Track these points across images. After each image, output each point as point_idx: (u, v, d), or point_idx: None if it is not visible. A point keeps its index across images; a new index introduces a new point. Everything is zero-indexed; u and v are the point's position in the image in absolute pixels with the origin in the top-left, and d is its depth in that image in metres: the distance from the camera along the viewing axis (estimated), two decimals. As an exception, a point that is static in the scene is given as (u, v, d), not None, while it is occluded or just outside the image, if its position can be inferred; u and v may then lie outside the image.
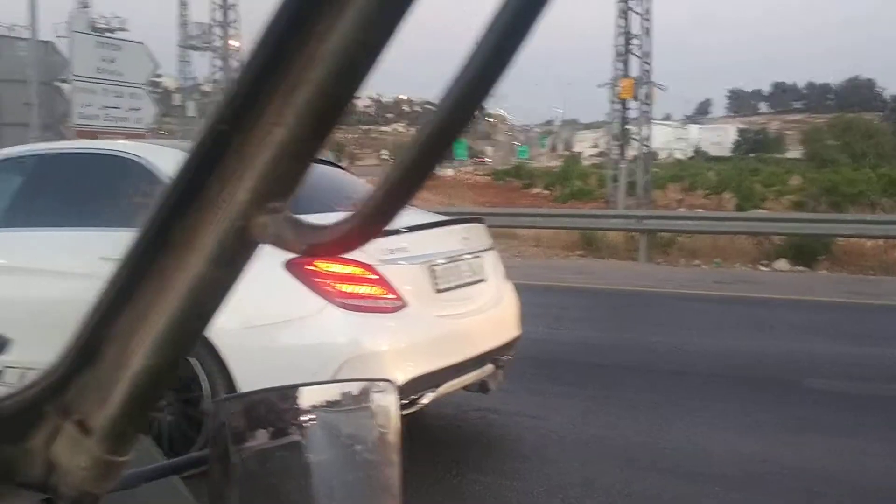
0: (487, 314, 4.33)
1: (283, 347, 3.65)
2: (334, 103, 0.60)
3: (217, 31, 31.65)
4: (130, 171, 4.18)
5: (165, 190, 0.68)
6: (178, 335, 0.78)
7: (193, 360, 3.67)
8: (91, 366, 0.85)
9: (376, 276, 3.72)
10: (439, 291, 4.04)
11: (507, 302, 4.58)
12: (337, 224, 0.61)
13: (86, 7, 34.69)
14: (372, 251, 3.66)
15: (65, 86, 19.83)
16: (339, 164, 5.59)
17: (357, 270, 3.69)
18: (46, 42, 19.74)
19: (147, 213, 0.73)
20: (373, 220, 0.61)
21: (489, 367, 4.24)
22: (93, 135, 17.38)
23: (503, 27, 0.51)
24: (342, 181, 4.79)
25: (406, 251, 3.86)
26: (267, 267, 3.56)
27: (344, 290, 3.65)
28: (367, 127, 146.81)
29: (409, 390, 3.68)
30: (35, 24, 17.92)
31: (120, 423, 0.84)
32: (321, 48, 0.58)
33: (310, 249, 0.64)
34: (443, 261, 4.10)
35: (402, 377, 3.57)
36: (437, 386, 3.89)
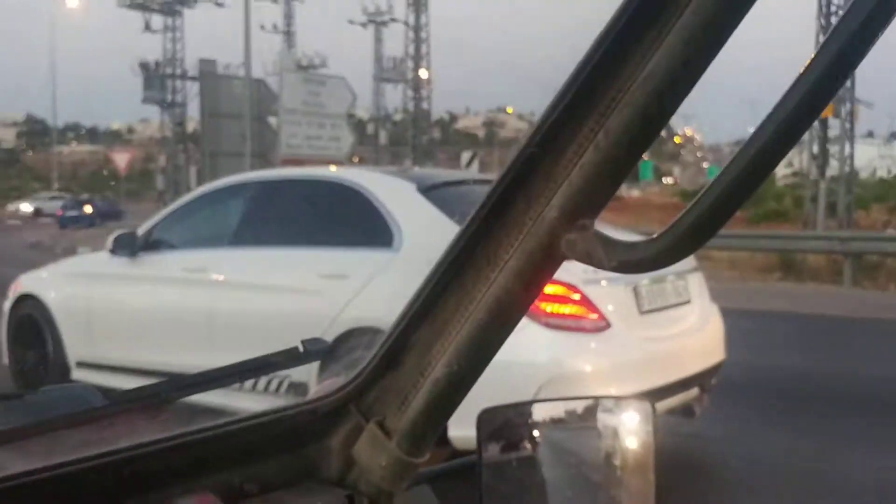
0: (693, 337, 4.25)
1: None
2: (652, 123, 0.61)
3: (409, 63, 33.06)
4: (347, 196, 4.46)
5: (473, 212, 0.74)
6: (479, 345, 0.82)
7: None
8: (393, 371, 0.91)
9: (579, 296, 3.70)
10: (643, 313, 3.99)
11: (712, 325, 4.46)
12: (650, 240, 0.63)
13: (291, 46, 37.37)
14: (575, 270, 3.46)
15: (271, 119, 21.49)
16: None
17: (560, 289, 3.67)
18: (259, 80, 21.51)
19: (455, 234, 0.77)
20: (689, 238, 0.62)
21: (694, 391, 4.13)
22: (298, 162, 18.68)
23: (847, 35, 0.52)
24: None
25: (608, 272, 3.70)
26: None
27: (547, 308, 3.64)
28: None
29: None
30: (248, 64, 19.57)
31: (419, 426, 0.89)
32: (641, 70, 0.59)
33: (620, 266, 0.67)
34: (647, 282, 4.05)
35: (613, 392, 3.47)
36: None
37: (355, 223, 4.46)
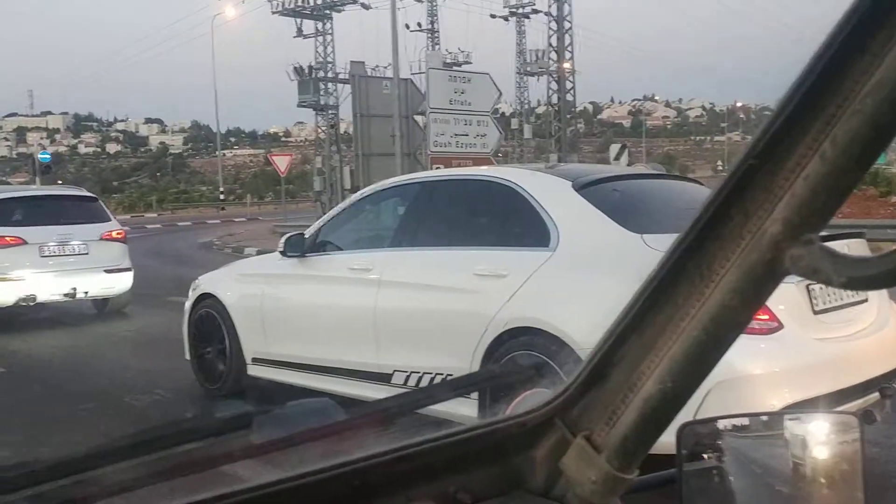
0: (872, 338, 3.98)
1: None
2: (883, 132, 0.58)
3: (552, 54, 32.97)
4: (503, 195, 4.48)
5: (686, 227, 0.75)
6: (693, 362, 0.79)
7: (553, 361, 3.68)
8: (599, 386, 0.90)
9: None
10: (817, 312, 3.80)
11: (893, 324, 4.14)
12: (883, 256, 0.59)
13: (436, 44, 38.07)
14: None
15: (418, 117, 22.03)
16: (698, 181, 5.46)
17: None
18: (406, 80, 22.11)
19: (667, 250, 0.78)
20: None
21: (874, 396, 3.80)
22: (447, 161, 19.10)
23: None
24: (699, 197, 4.61)
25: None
26: (631, 284, 3.44)
27: None
28: (699, 137, 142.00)
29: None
30: (397, 65, 20.17)
31: (630, 442, 0.88)
32: (870, 76, 0.56)
33: (850, 282, 0.63)
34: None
35: (777, 404, 3.36)
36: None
37: (512, 223, 4.50)
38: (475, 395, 4.04)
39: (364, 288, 4.79)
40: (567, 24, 32.85)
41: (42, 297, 9.34)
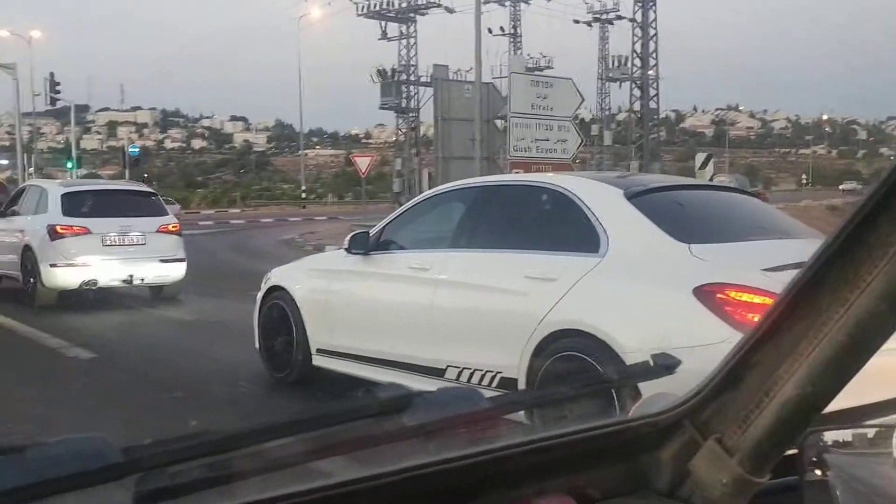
0: None
1: (686, 371, 3.44)
2: None
3: (636, 62, 32.55)
4: (557, 201, 4.62)
5: (832, 234, 0.75)
6: (836, 368, 0.79)
7: (598, 365, 3.81)
8: (733, 390, 0.91)
9: None
10: None
11: None
12: None
13: (518, 49, 38.00)
14: (785, 281, 3.24)
15: (497, 122, 22.00)
16: (751, 192, 5.55)
17: (770, 301, 3.23)
18: (488, 84, 22.12)
19: (810, 257, 0.78)
20: None
21: None
22: (526, 166, 19.01)
23: None
24: (753, 209, 4.91)
25: None
26: (675, 292, 3.78)
27: (755, 319, 3.20)
28: (784, 150, 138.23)
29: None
30: (479, 69, 20.20)
31: (763, 445, 0.88)
32: None
33: None
34: None
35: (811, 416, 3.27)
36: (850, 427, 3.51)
37: (563, 228, 4.60)
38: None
39: (421, 286, 4.97)
40: (652, 31, 32.37)
41: (102, 281, 10.15)
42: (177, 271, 10.68)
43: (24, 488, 0.73)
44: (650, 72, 31.60)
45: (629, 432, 1.00)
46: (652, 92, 32.28)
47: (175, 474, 0.80)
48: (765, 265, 3.68)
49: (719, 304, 3.61)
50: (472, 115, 20.71)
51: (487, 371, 4.48)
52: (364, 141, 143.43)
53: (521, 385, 4.27)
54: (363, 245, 5.44)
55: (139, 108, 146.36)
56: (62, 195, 10.41)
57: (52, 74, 35.37)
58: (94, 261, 10.02)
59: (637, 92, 31.95)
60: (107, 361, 7.18)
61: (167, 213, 11.21)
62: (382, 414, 0.91)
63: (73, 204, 10.32)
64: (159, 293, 10.91)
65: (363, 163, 26.80)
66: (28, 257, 10.26)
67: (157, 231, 10.58)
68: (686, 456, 0.95)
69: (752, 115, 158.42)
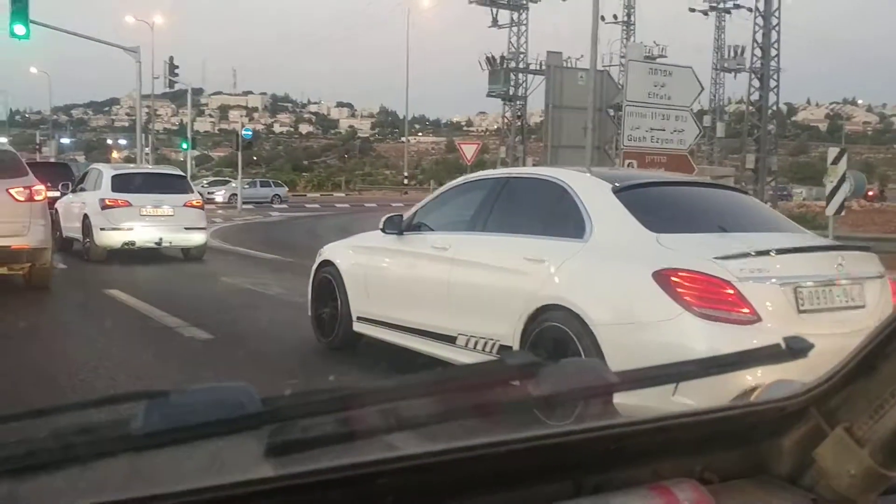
0: (854, 340, 3.72)
1: (643, 342, 4.19)
2: None
3: (757, 52, 31.12)
4: (554, 192, 5.19)
5: None
6: None
7: (576, 338, 4.42)
8: (866, 378, 0.88)
9: (733, 291, 4.11)
10: (802, 312, 4.27)
11: None
12: None
13: (630, 37, 37.02)
14: (732, 268, 4.13)
15: (608, 111, 21.36)
16: (742, 189, 6.21)
17: (715, 285, 4.15)
18: (602, 71, 21.49)
19: None
20: None
21: None
22: (640, 157, 18.39)
23: None
24: (734, 205, 5.50)
25: (767, 272, 4.22)
26: (637, 275, 4.32)
27: (701, 300, 4.12)
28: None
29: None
30: (594, 55, 19.62)
31: None
32: None
33: None
34: (811, 284, 4.34)
35: (749, 383, 3.71)
36: None
37: (559, 216, 5.11)
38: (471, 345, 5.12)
39: (441, 264, 5.61)
40: (774, 20, 30.90)
41: (139, 243, 13.22)
42: (199, 237, 13.91)
43: (165, 432, 0.76)
44: (771, 63, 30.16)
45: (753, 416, 0.98)
46: (772, 83, 30.81)
47: (307, 427, 0.82)
48: (718, 254, 4.19)
49: (672, 286, 4.16)
50: (585, 103, 20.14)
51: (489, 339, 5.08)
52: (465, 129, 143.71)
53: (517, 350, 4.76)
54: (396, 226, 6.14)
55: (250, 92, 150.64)
56: (112, 176, 13.61)
57: (171, 58, 36.53)
58: (133, 226, 13.13)
59: (756, 83, 30.55)
60: (224, 343, 7.15)
61: (193, 192, 14.36)
62: (510, 380, 0.91)
63: (120, 183, 13.44)
64: (187, 255, 14.01)
65: (469, 150, 26.59)
66: (86, 223, 13.35)
67: (184, 206, 13.63)
68: (811, 444, 0.93)
69: (869, 110, 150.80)
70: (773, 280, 4.24)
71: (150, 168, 18.31)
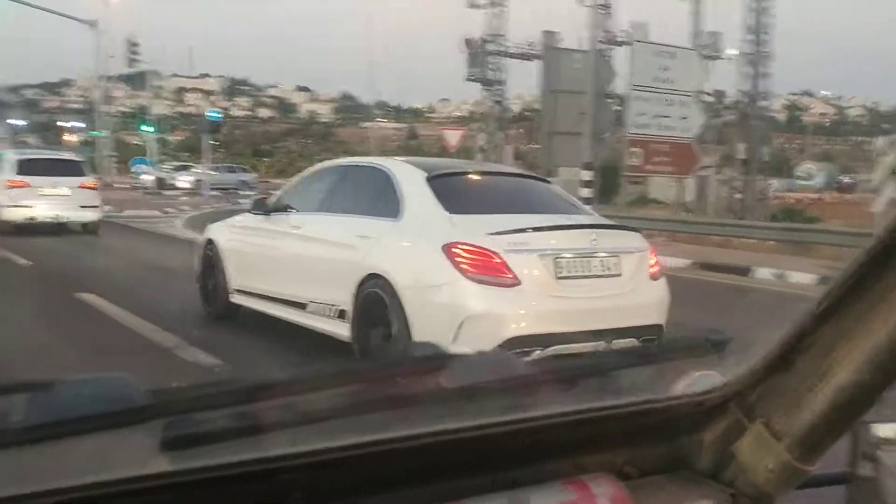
0: (610, 301, 5.22)
1: (433, 302, 5.03)
2: None
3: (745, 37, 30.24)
4: (380, 178, 5.96)
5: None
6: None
7: (388, 300, 5.18)
8: (784, 373, 0.87)
9: (499, 260, 4.91)
10: (560, 278, 5.08)
11: (640, 296, 5.37)
12: None
13: (608, 19, 35.81)
14: (499, 242, 4.94)
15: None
16: (544, 179, 7.20)
17: (484, 255, 4.94)
18: (599, 54, 20.42)
19: (875, 236, 0.75)
20: None
21: (601, 344, 4.72)
22: (645, 145, 17.39)
23: None
24: (530, 190, 6.32)
25: (528, 245, 5.01)
26: (431, 248, 5.09)
27: (472, 268, 4.92)
28: (859, 138, 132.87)
29: (517, 345, 4.72)
30: (594, 37, 18.56)
31: (815, 432, 0.86)
32: None
33: None
34: (570, 255, 5.14)
35: (509, 334, 4.84)
36: (546, 347, 4.81)
37: (383, 199, 5.77)
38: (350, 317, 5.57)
39: (295, 241, 6.39)
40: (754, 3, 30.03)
41: (39, 218, 15.21)
42: (92, 214, 15.92)
43: (48, 425, 0.74)
44: (757, 49, 29.27)
45: (672, 411, 0.98)
46: (754, 71, 29.96)
47: (202, 421, 0.79)
48: (492, 231, 5.00)
49: (453, 257, 4.96)
50: (582, 87, 19.10)
51: (331, 304, 5.75)
52: (427, 115, 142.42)
53: (350, 315, 5.54)
54: (262, 208, 6.98)
55: (207, 75, 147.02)
56: (16, 160, 15.81)
57: (131, 36, 34.76)
58: (33, 204, 15.17)
59: (742, 70, 29.68)
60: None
61: (87, 174, 16.47)
62: (418, 372, 0.91)
63: (22, 167, 15.54)
64: (85, 228, 15.91)
65: (453, 136, 25.39)
66: None
67: (79, 187, 15.66)
68: (730, 438, 0.94)
69: (826, 102, 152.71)
70: (535, 252, 5.05)
71: (50, 153, 19.93)
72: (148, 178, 37.74)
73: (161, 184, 38.26)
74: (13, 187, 15.22)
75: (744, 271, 12.32)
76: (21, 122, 72.79)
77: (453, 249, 4.98)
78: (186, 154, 74.66)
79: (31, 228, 15.10)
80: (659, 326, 5.41)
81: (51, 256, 12.30)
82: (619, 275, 5.30)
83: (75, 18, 26.02)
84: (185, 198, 32.47)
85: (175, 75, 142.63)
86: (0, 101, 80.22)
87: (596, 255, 5.23)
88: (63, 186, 15.41)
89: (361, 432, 0.84)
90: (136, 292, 8.60)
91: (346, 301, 5.53)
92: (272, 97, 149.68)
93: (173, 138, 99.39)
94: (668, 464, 0.97)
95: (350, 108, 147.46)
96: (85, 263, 11.78)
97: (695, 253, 14.06)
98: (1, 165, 16.07)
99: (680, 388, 1.00)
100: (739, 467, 0.92)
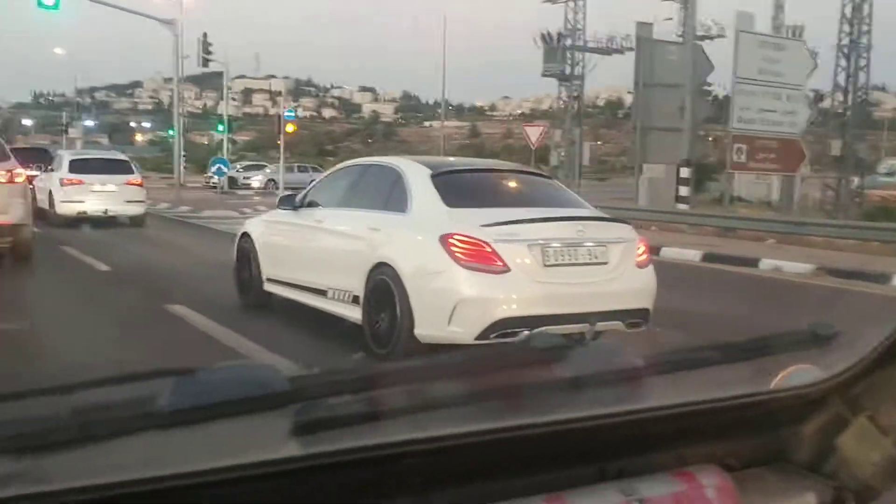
0: (595, 288, 5.67)
1: (431, 287, 5.56)
2: None
3: (846, 28, 28.67)
4: (392, 176, 6.38)
5: None
6: None
7: (394, 286, 5.65)
8: (890, 367, 0.87)
9: (490, 249, 5.43)
10: (548, 266, 5.54)
11: (626, 282, 5.76)
12: None
13: (689, 15, 34.41)
14: (490, 233, 5.43)
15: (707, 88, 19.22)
16: (544, 174, 8.06)
17: (476, 245, 5.45)
18: (696, 45, 19.31)
19: None
20: None
21: (586, 326, 5.27)
22: (749, 141, 16.30)
23: None
24: (527, 186, 6.74)
25: (517, 235, 5.48)
26: (430, 239, 5.62)
27: (466, 256, 5.45)
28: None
29: (506, 326, 5.31)
30: (692, 26, 17.51)
31: None
32: None
33: None
34: (558, 244, 5.59)
35: (497, 316, 5.35)
36: (534, 328, 5.03)
37: (394, 195, 6.22)
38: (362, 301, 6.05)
39: (317, 233, 6.87)
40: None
41: (89, 212, 16.46)
42: (138, 208, 17.19)
43: (191, 410, 0.77)
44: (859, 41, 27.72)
45: (774, 403, 0.98)
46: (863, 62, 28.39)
47: (333, 406, 0.83)
48: (484, 223, 5.51)
49: (448, 246, 5.50)
50: (677, 79, 18.07)
51: (346, 291, 6.21)
52: (489, 113, 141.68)
53: (361, 299, 5.99)
54: (290, 203, 7.43)
55: (273, 76, 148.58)
56: (69, 160, 17.51)
57: (204, 35, 34.61)
58: (84, 199, 16.60)
59: (843, 62, 28.15)
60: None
61: (134, 172, 17.84)
62: (535, 362, 0.94)
63: (76, 165, 17.12)
64: (132, 221, 17.10)
65: (534, 133, 24.47)
66: (51, 197, 16.82)
67: (125, 184, 17.12)
68: (833, 432, 0.93)
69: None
70: (524, 241, 5.44)
71: (100, 153, 22.10)
72: (221, 177, 37.96)
73: (233, 183, 38.19)
74: (68, 184, 16.77)
75: (881, 278, 11.18)
76: (90, 123, 74.29)
77: (449, 240, 5.46)
78: (254, 153, 75.10)
79: (89, 220, 16.52)
80: (645, 311, 5.83)
81: (126, 260, 11.80)
82: (605, 263, 5.71)
83: (155, 18, 25.96)
84: (257, 197, 32.26)
85: (242, 76, 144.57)
86: (78, 104, 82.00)
87: (583, 244, 5.65)
88: (111, 183, 16.98)
89: (478, 420, 0.86)
90: (225, 302, 7.85)
91: (359, 287, 6.03)
92: (336, 98, 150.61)
93: (240, 138, 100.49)
94: (768, 455, 0.98)
95: (411, 108, 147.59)
96: (164, 268, 11.04)
97: (812, 256, 12.98)
98: (58, 163, 17.75)
99: (779, 381, 1.00)
100: (842, 461, 0.91)
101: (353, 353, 5.74)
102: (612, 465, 0.91)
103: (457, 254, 5.40)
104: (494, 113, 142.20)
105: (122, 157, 19.86)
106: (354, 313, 6.09)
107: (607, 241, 5.75)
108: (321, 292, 6.56)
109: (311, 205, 7.17)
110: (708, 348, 1.03)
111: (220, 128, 37.19)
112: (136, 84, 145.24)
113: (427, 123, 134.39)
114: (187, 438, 0.78)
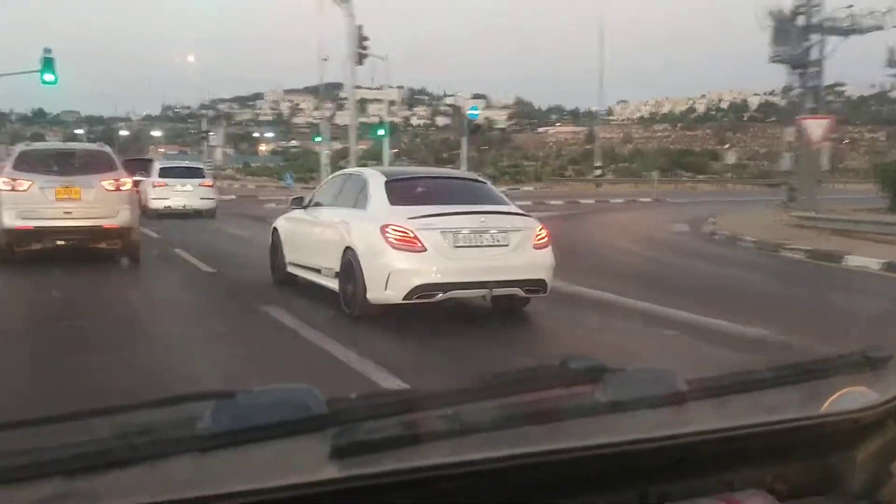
0: (495, 262, 7.68)
1: (375, 263, 7.66)
2: None
3: None
4: (361, 182, 8.73)
5: None
6: None
7: (354, 263, 7.88)
8: None
9: (413, 235, 7.52)
10: (457, 247, 7.60)
11: (521, 259, 7.79)
12: None
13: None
14: (414, 223, 7.54)
15: None
16: (480, 180, 9.71)
17: (404, 231, 7.55)
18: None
19: None
20: None
21: (487, 292, 7.78)
22: None
23: None
24: (463, 189, 9.01)
25: (434, 225, 7.57)
26: (375, 229, 7.69)
27: (396, 240, 7.56)
28: None
29: (424, 290, 7.49)
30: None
31: None
32: None
33: None
34: (467, 231, 7.64)
35: (417, 282, 7.43)
36: (446, 291, 7.57)
37: (360, 196, 8.46)
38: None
39: (315, 226, 9.35)
40: None
41: (172, 207, 22.28)
42: (209, 203, 23.00)
43: (231, 433, 0.78)
44: None
45: (825, 427, 0.94)
46: None
47: (371, 430, 0.83)
48: (411, 216, 7.63)
49: (384, 234, 7.61)
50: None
51: (330, 269, 8.41)
52: (605, 119, 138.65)
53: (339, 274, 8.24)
54: (300, 204, 10.05)
55: (388, 86, 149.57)
56: (159, 167, 23.63)
57: (360, 28, 32.71)
58: (169, 196, 22.57)
59: None
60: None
61: (206, 176, 23.96)
62: (574, 385, 0.91)
63: (163, 172, 23.07)
64: (204, 214, 22.52)
65: (817, 128, 20.35)
66: (144, 196, 20.99)
67: (200, 185, 22.99)
68: (887, 458, 0.90)
69: None
70: (438, 229, 7.58)
71: (181, 162, 27.72)
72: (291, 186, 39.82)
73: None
74: (157, 186, 22.63)
75: None
76: (213, 133, 75.91)
77: (385, 229, 7.63)
78: (374, 162, 74.99)
79: (173, 213, 21.80)
80: (541, 281, 7.92)
81: (228, 262, 12.68)
82: (506, 245, 7.81)
83: None
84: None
85: (357, 87, 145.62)
86: (215, 114, 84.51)
87: (488, 231, 7.74)
88: (189, 184, 22.81)
89: (516, 444, 0.85)
90: (319, 304, 8.56)
91: (337, 265, 8.22)
92: (449, 105, 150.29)
93: (359, 147, 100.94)
94: (817, 481, 0.94)
95: (525, 114, 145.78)
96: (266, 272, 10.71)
97: None
98: (152, 172, 23.37)
99: (831, 405, 0.95)
100: None
101: (453, 367, 6.12)
102: (653, 489, 0.88)
103: (390, 239, 7.60)
104: (612, 118, 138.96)
105: (198, 164, 26.74)
106: (334, 284, 8.36)
107: (508, 230, 7.88)
108: (317, 270, 8.92)
109: (314, 205, 9.70)
110: (758, 371, 0.99)
111: (380, 132, 39.91)
112: (258, 96, 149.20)
113: (542, 129, 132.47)
114: (228, 460, 0.79)
